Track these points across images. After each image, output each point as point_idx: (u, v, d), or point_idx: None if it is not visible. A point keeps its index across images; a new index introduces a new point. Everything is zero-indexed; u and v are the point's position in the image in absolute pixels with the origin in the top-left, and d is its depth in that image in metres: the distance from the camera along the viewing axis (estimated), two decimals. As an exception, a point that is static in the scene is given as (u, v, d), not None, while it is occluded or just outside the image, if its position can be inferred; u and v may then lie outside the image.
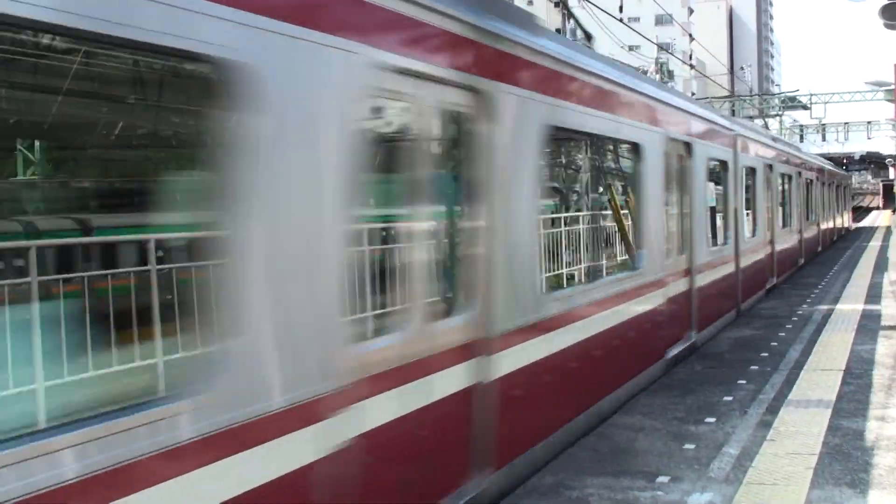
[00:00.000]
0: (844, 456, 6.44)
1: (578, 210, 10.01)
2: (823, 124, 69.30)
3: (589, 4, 21.48)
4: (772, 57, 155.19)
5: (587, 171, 9.63)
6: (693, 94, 55.92)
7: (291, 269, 3.92)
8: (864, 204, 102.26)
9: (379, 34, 4.57)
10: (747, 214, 15.46)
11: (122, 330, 6.13)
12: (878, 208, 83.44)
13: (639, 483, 5.99)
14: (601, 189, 9.87)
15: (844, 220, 40.11)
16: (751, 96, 67.03)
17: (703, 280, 11.33)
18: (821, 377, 9.07)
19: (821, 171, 29.11)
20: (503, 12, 6.21)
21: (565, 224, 9.87)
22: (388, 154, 5.26)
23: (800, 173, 22.71)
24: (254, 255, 3.70)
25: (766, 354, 10.45)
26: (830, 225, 32.63)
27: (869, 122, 68.89)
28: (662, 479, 6.06)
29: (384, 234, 6.49)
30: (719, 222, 13.32)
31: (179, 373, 5.21)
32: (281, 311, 3.87)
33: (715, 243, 12.83)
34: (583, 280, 9.58)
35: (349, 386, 4.23)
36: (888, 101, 57.17)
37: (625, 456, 6.60)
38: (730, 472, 6.15)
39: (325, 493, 4.10)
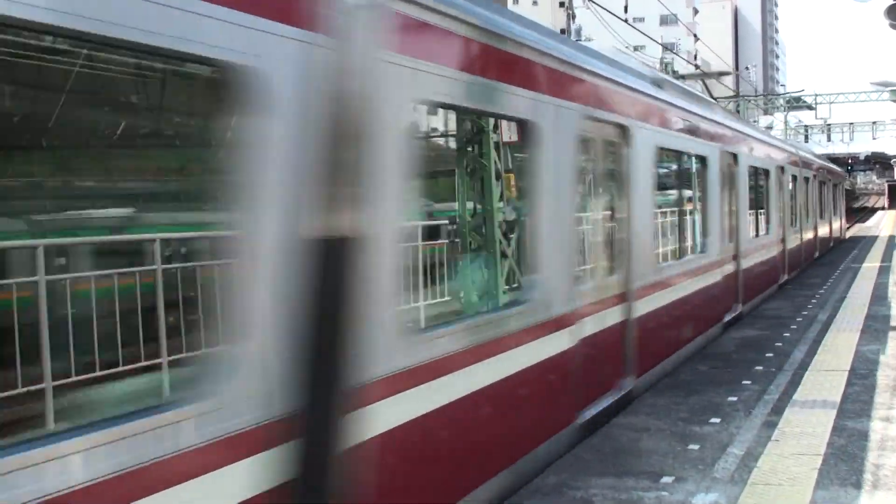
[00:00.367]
0: (849, 457, 6.42)
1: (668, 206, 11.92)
2: (828, 124, 69.25)
3: (594, 4, 21.47)
4: (777, 57, 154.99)
5: (676, 176, 11.85)
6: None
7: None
8: (870, 204, 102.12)
9: (588, 97, 7.45)
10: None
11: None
12: (883, 208, 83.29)
13: (643, 483, 5.97)
14: (683, 189, 12.07)
15: (832, 228, 32.37)
16: (756, 96, 66.97)
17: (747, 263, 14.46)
18: (826, 378, 9.05)
19: (807, 164, 24.38)
20: (635, 72, 9.70)
21: (664, 216, 11.58)
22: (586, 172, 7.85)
23: (767, 171, 17.47)
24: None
25: (770, 355, 10.43)
26: (809, 237, 24.05)
27: (874, 123, 68.87)
28: (667, 479, 6.05)
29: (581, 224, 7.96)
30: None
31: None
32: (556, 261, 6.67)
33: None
34: (676, 256, 11.19)
35: (579, 308, 7.05)
36: (893, 101, 57.12)
37: (629, 456, 6.59)
38: (734, 473, 6.14)
39: (564, 374, 6.85)
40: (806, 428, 7.19)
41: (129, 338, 7.18)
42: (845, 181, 44.10)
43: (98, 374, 6.90)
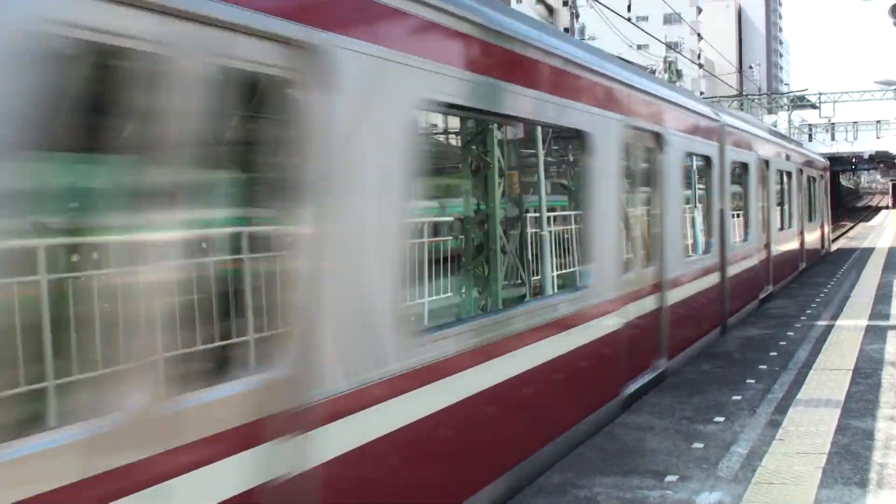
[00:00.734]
0: (854, 455, 6.43)
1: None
2: (832, 123, 69.15)
3: (597, 3, 21.46)
4: (780, 56, 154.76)
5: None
6: (701, 93, 55.78)
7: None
8: (874, 203, 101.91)
9: (630, 109, 8.36)
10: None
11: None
12: (887, 207, 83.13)
13: (647, 482, 5.98)
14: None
15: (815, 238, 24.26)
16: (759, 95, 66.90)
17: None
18: (830, 377, 9.05)
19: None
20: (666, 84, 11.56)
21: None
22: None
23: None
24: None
25: (774, 354, 10.43)
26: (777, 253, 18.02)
27: (878, 122, 68.73)
28: (671, 478, 6.05)
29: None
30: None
31: None
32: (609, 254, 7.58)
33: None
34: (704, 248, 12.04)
35: (624, 295, 8.00)
36: (898, 100, 56.97)
37: (633, 455, 6.59)
38: (739, 472, 6.14)
39: (613, 352, 7.81)
40: (810, 427, 7.19)
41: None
42: (828, 172, 28.02)
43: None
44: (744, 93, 66.01)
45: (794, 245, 19.70)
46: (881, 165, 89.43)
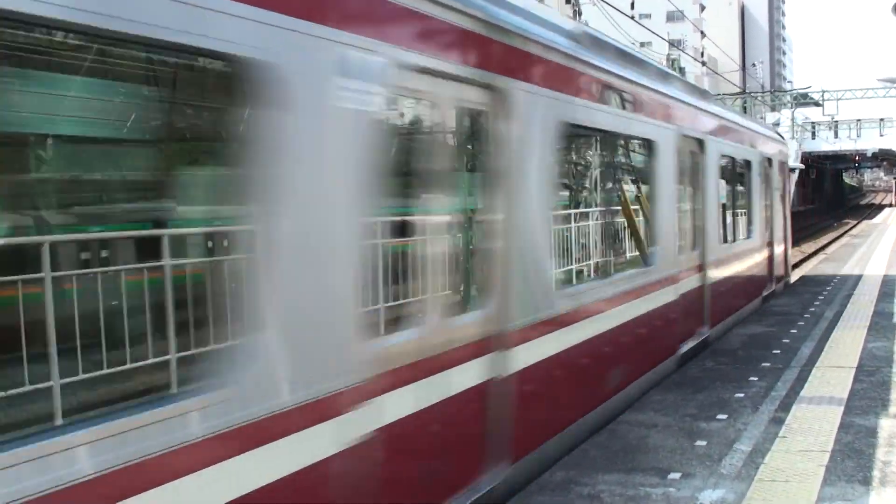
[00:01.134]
0: (857, 453, 6.43)
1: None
2: (836, 121, 69.02)
3: (601, 1, 21.46)
4: (784, 54, 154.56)
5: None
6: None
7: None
8: (877, 201, 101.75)
9: (681, 120, 10.12)
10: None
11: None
12: (890, 205, 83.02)
13: (650, 479, 5.99)
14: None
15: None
16: (762, 93, 66.83)
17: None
18: (833, 374, 9.05)
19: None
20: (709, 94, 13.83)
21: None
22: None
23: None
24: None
25: (777, 351, 10.43)
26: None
27: (882, 119, 68.57)
28: (674, 475, 6.06)
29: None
30: None
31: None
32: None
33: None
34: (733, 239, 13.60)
35: (680, 273, 9.84)
36: (901, 97, 56.91)
37: (636, 452, 6.60)
38: (741, 469, 6.15)
39: (673, 316, 9.60)
40: (813, 424, 7.20)
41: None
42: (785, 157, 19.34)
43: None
44: (747, 90, 65.90)
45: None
46: (884, 163, 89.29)
